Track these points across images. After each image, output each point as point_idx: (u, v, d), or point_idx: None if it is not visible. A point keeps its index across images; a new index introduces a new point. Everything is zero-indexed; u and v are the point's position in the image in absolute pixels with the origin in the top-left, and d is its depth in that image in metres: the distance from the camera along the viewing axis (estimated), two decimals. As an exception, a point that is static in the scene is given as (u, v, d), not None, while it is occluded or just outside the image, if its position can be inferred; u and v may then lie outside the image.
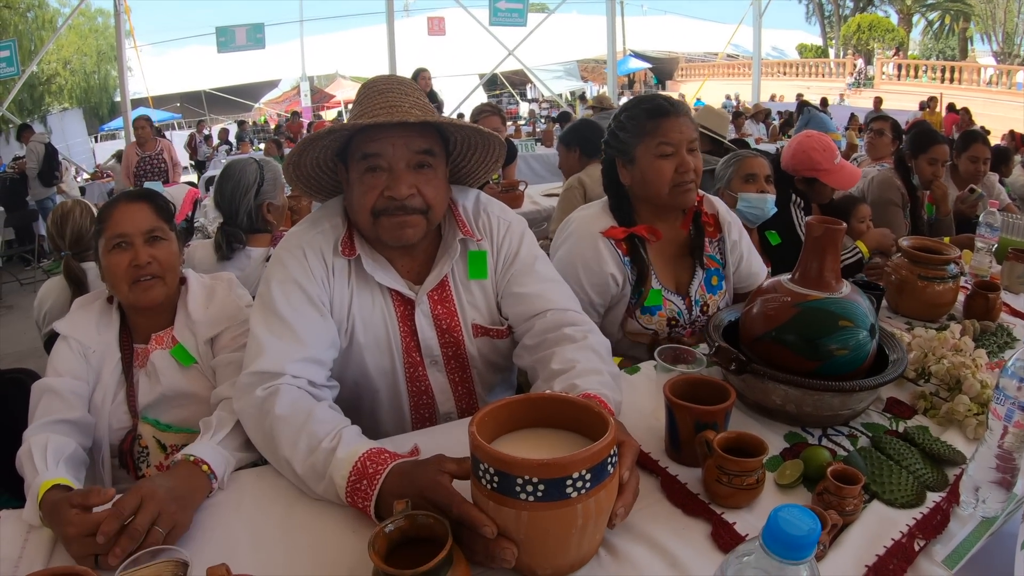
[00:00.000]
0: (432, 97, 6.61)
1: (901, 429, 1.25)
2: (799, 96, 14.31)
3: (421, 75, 6.56)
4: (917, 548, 0.94)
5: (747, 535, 0.97)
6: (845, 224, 1.26)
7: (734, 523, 0.99)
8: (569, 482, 0.80)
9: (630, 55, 23.99)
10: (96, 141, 18.92)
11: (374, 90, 1.35)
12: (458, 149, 1.45)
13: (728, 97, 18.69)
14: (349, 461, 1.03)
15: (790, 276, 1.31)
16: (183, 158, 12.83)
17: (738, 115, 10.55)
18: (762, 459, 1.02)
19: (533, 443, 0.96)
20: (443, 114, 6.54)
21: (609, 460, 0.85)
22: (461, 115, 4.62)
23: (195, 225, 4.12)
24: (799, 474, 1.08)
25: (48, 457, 1.21)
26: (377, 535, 0.83)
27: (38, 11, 17.41)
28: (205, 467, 1.13)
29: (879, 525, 0.99)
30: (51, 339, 2.24)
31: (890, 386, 1.38)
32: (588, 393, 1.13)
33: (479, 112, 4.27)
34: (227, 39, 12.11)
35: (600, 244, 1.73)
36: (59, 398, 1.40)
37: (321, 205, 1.50)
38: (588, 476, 0.81)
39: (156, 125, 14.18)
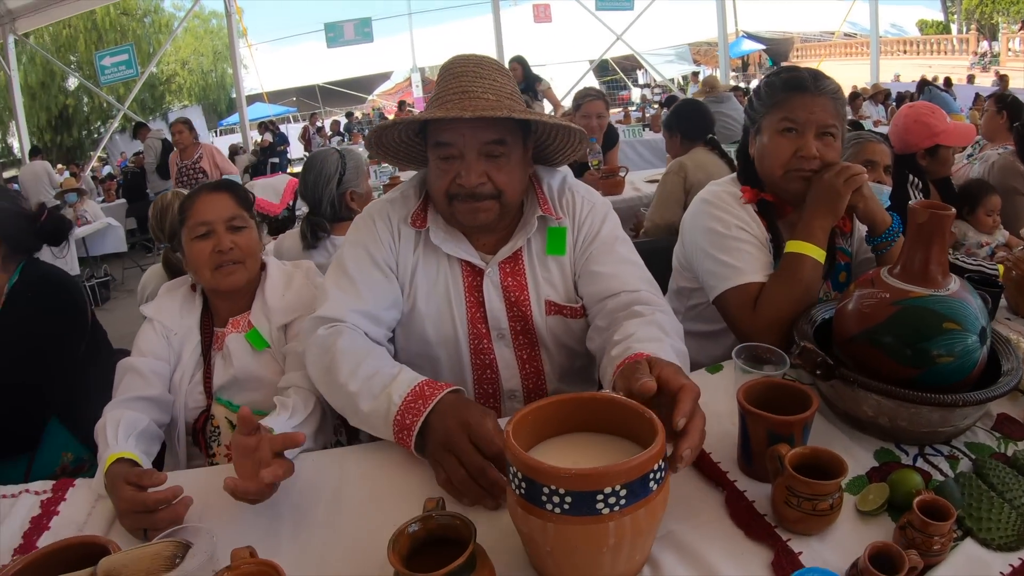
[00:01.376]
0: (531, 81, 6.44)
1: (1010, 452, 1.06)
2: (923, 78, 13.22)
3: (511, 64, 6.49)
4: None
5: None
6: (954, 209, 1.08)
7: (800, 552, 0.87)
8: (600, 497, 0.72)
9: (743, 36, 23.02)
10: (216, 135, 20.25)
11: (450, 73, 1.34)
12: (540, 131, 1.42)
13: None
14: (410, 383, 1.12)
15: (889, 270, 1.15)
16: (298, 149, 13.54)
17: (855, 96, 9.82)
18: (839, 482, 0.88)
19: (579, 450, 0.88)
20: (545, 100, 6.51)
21: (652, 475, 0.75)
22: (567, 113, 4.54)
23: (296, 214, 4.28)
24: (883, 500, 0.93)
25: (120, 432, 1.27)
26: (400, 534, 0.80)
27: (154, 16, 18.87)
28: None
29: (969, 568, 0.83)
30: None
31: (1002, 400, 1.16)
32: (639, 354, 1.09)
33: (583, 96, 4.17)
34: (335, 34, 12.58)
35: (736, 203, 1.58)
36: (140, 376, 1.47)
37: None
38: (623, 492, 0.72)
39: (272, 119, 15.11)
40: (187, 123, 6.18)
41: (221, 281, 1.57)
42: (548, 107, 6.69)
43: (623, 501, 0.73)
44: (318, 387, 1.29)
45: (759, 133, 1.57)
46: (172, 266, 2.21)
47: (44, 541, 1.08)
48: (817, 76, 1.50)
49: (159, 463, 1.50)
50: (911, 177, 2.31)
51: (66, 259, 5.18)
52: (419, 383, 1.12)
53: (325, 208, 2.45)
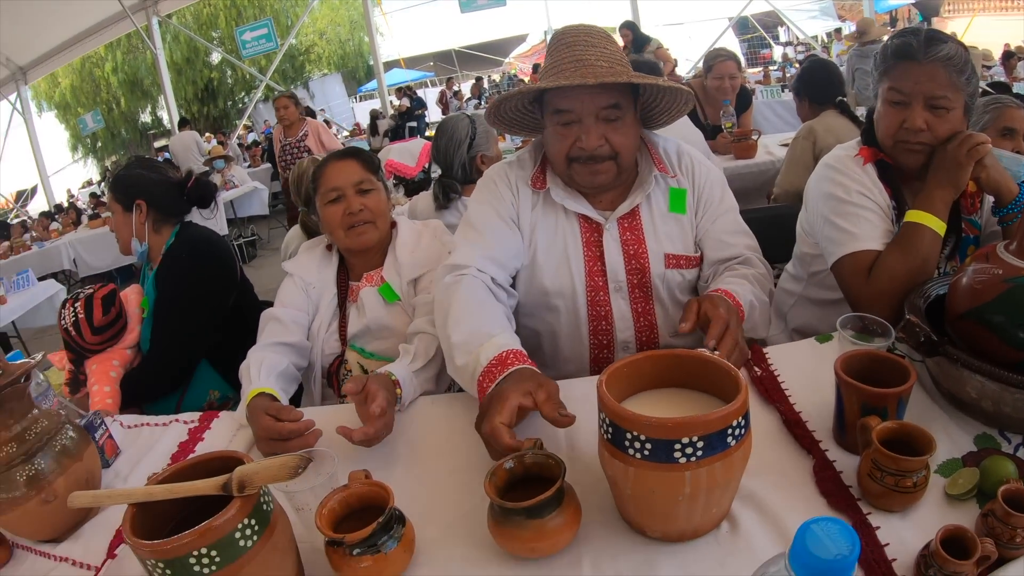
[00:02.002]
0: (640, 44, 6.36)
1: None
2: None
3: (622, 31, 6.40)
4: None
5: (887, 544, 0.85)
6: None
7: (877, 527, 0.88)
8: (678, 446, 0.78)
9: (891, -12, 21.02)
10: (356, 101, 21.17)
11: (562, 43, 1.41)
12: (648, 94, 1.48)
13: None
14: (499, 348, 1.18)
15: (1005, 245, 1.10)
16: (436, 113, 13.92)
17: (1009, 56, 8.73)
18: (925, 460, 0.88)
19: (667, 403, 0.95)
20: (666, 53, 6.35)
21: (731, 431, 0.80)
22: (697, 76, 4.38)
23: (432, 176, 4.48)
24: (973, 486, 0.91)
25: (262, 371, 1.45)
26: (498, 467, 0.90)
27: (291, -10, 19.65)
28: (399, 389, 1.32)
29: None
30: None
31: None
32: (718, 288, 1.36)
33: (713, 57, 4.06)
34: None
35: (856, 165, 1.56)
36: (281, 324, 1.65)
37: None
38: (700, 444, 0.78)
39: (410, 84, 15.56)
40: (293, 98, 5.82)
41: (354, 240, 1.70)
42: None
43: (700, 452, 0.78)
44: (438, 331, 1.38)
45: (877, 99, 1.52)
46: (309, 228, 2.41)
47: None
48: (931, 40, 1.40)
49: (296, 401, 1.70)
50: None
51: (216, 220, 5.60)
52: (505, 351, 1.17)
53: (457, 171, 2.58)
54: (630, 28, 6.48)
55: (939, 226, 1.40)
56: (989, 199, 1.54)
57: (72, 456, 1.11)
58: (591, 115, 1.38)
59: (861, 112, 3.24)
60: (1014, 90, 3.57)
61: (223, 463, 0.89)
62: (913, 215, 1.41)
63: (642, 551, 0.88)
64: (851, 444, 1.03)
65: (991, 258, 1.10)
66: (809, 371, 1.26)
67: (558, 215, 1.53)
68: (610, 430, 0.84)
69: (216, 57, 18.82)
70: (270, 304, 1.96)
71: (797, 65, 11.37)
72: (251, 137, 14.00)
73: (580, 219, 1.53)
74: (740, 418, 0.82)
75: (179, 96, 16.68)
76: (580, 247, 1.52)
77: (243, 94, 19.09)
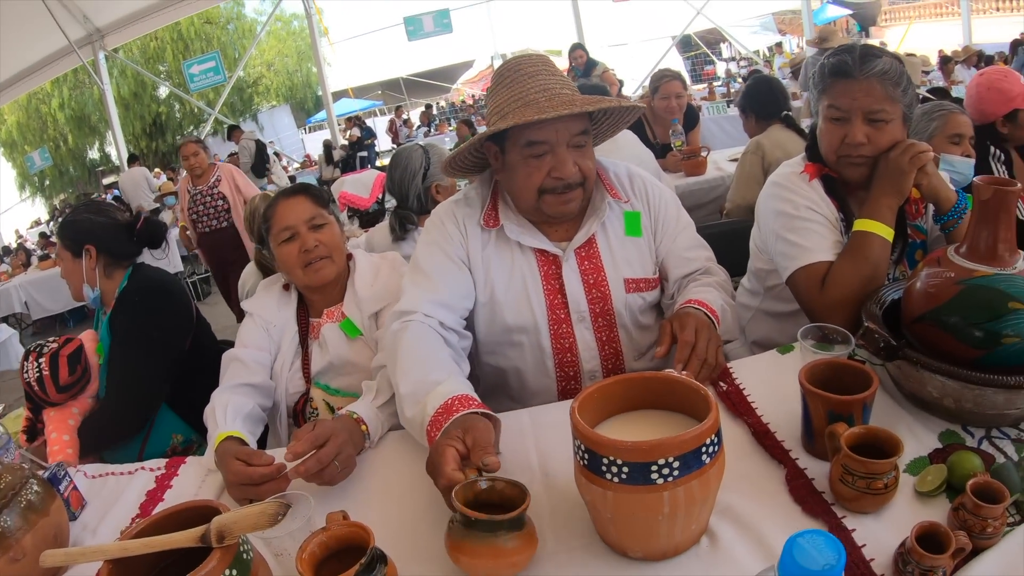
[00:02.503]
0: (589, 66, 6.54)
1: (1084, 437, 1.04)
2: (1015, 39, 12.13)
3: (575, 53, 6.55)
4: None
5: (864, 545, 0.87)
6: (1021, 185, 1.07)
7: (853, 530, 0.90)
8: (655, 468, 0.78)
9: (828, 2, 21.74)
10: (305, 132, 21.05)
11: (523, 74, 1.40)
12: (595, 116, 1.51)
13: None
14: (443, 396, 1.16)
15: (955, 248, 1.14)
16: (385, 142, 13.90)
17: (947, 60, 9.20)
18: (894, 462, 0.90)
19: (640, 425, 0.95)
20: (612, 76, 6.50)
21: (704, 449, 0.81)
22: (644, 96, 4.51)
23: (386, 207, 4.45)
24: (941, 482, 0.94)
25: (228, 414, 1.42)
26: (464, 487, 0.91)
27: (237, 23, 19.66)
28: (364, 427, 1.30)
29: (1021, 555, 0.83)
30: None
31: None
32: (688, 300, 1.41)
33: (660, 78, 4.15)
34: (415, 28, 12.77)
35: (802, 182, 1.60)
36: (243, 365, 1.61)
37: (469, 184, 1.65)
38: (676, 464, 0.79)
39: (359, 114, 15.59)
40: (201, 143, 4.97)
41: (312, 277, 1.68)
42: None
43: (676, 472, 0.79)
44: (390, 379, 1.36)
45: (817, 115, 1.57)
46: (264, 266, 2.37)
47: (159, 510, 1.21)
48: (866, 57, 1.46)
49: (263, 443, 1.65)
50: (993, 149, 2.21)
51: (168, 259, 5.27)
52: (450, 398, 1.15)
53: (412, 202, 2.56)
54: (584, 49, 6.63)
55: (887, 233, 1.45)
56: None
57: (38, 511, 1.08)
58: (564, 144, 1.38)
59: (807, 124, 3.35)
60: (952, 94, 3.73)
61: (198, 512, 0.87)
62: (861, 224, 1.46)
63: (626, 571, 0.88)
64: (820, 451, 1.05)
65: (943, 262, 1.14)
66: (773, 383, 1.28)
67: (513, 251, 1.52)
68: (586, 456, 0.83)
69: (164, 91, 18.63)
70: (228, 344, 1.92)
71: (741, 80, 11.76)
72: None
73: (536, 253, 1.52)
74: (713, 435, 0.83)
75: (127, 131, 16.42)
76: (539, 281, 1.51)
77: (192, 128, 18.83)
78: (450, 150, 2.87)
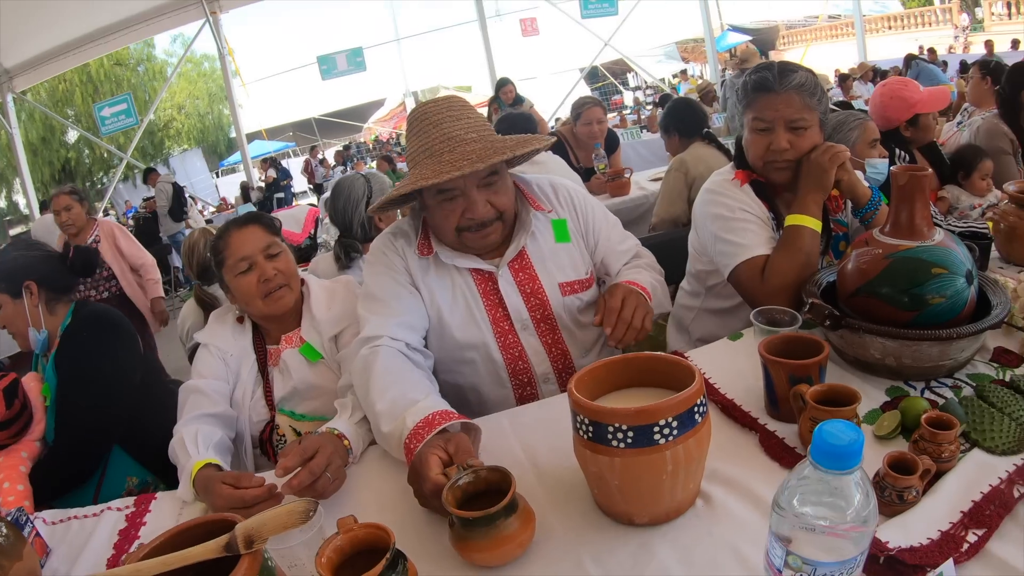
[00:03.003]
0: (517, 100, 6.71)
1: (1008, 378, 1.19)
2: (909, 53, 13.30)
3: (504, 89, 6.70)
4: (1017, 495, 0.90)
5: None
6: (930, 170, 1.23)
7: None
8: (656, 429, 0.86)
9: (728, 30, 23.06)
10: (218, 176, 20.48)
11: (428, 122, 1.44)
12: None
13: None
14: (425, 411, 1.20)
15: (880, 229, 1.29)
16: (301, 183, 13.66)
17: (845, 78, 10.03)
18: (855, 408, 1.02)
19: (629, 399, 1.02)
20: (538, 112, 6.69)
21: (696, 409, 0.90)
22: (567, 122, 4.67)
23: (318, 241, 4.44)
24: (896, 424, 1.07)
25: (199, 443, 1.40)
26: (451, 488, 0.95)
27: (148, 64, 19.13)
28: (346, 442, 1.30)
29: (977, 472, 0.95)
30: (195, 351, 2.50)
31: (997, 334, 1.33)
32: (628, 280, 1.54)
33: (581, 105, 4.32)
34: (329, 66, 12.73)
35: (734, 187, 1.75)
36: (204, 396, 1.58)
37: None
38: (675, 423, 0.87)
39: (273, 155, 15.29)
40: (76, 193, 4.08)
41: (273, 306, 1.67)
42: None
43: (675, 431, 0.87)
44: (361, 403, 1.38)
45: (743, 128, 1.74)
46: (204, 302, 2.34)
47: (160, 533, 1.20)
48: (784, 72, 1.64)
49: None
50: (898, 152, 2.46)
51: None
52: (432, 413, 1.19)
53: (356, 230, 2.60)
54: (512, 84, 6.81)
55: (816, 224, 1.61)
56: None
57: (11, 556, 1.02)
58: (473, 188, 1.44)
59: (728, 142, 3.58)
60: (854, 106, 4.06)
61: (205, 529, 0.86)
62: (792, 219, 1.62)
63: (635, 538, 0.94)
64: (785, 415, 1.16)
65: (870, 242, 1.29)
66: (728, 365, 1.41)
67: (451, 274, 1.57)
68: (590, 429, 0.90)
69: (73, 135, 17.86)
70: (178, 382, 1.89)
71: (650, 107, 12.33)
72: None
73: (473, 273, 1.58)
74: (701, 396, 0.92)
75: (35, 178, 15.49)
76: (479, 298, 1.57)
77: (102, 174, 18.06)
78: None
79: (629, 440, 0.87)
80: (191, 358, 2.50)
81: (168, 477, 1.74)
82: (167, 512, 1.31)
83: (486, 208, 1.46)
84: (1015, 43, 11.58)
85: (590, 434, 0.91)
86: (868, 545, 0.61)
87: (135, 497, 1.38)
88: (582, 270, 1.65)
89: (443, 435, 1.14)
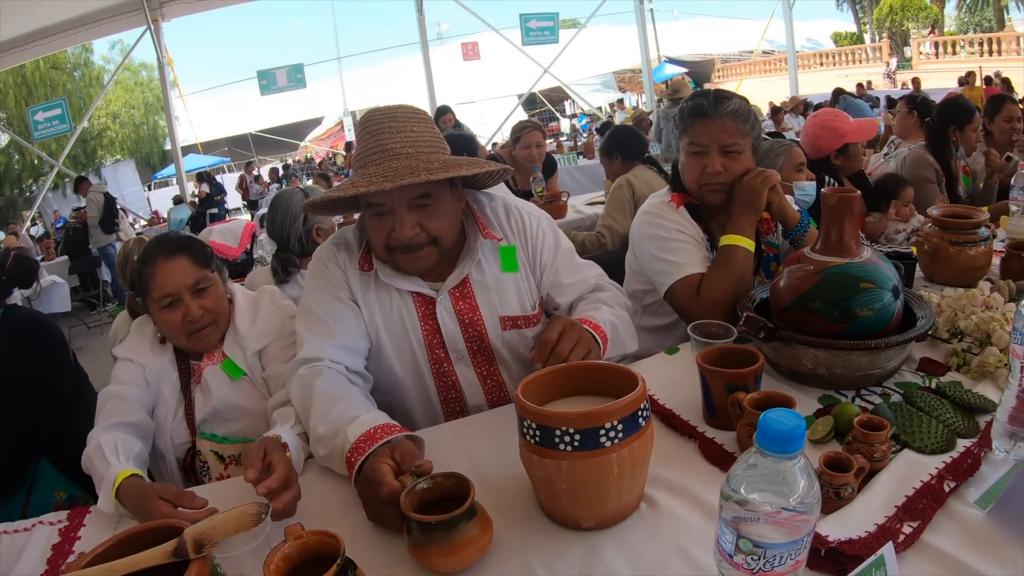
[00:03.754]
0: (457, 126, 6.77)
1: (934, 385, 1.27)
2: (836, 88, 14.05)
3: (443, 118, 6.69)
4: (947, 489, 0.97)
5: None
6: (859, 191, 1.31)
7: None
8: (602, 432, 0.88)
9: (665, 61, 23.80)
10: (150, 189, 19.85)
11: (368, 131, 1.37)
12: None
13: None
14: (366, 425, 1.18)
15: (811, 247, 1.36)
16: (235, 199, 13.30)
17: (777, 111, 10.61)
18: (790, 413, 1.06)
19: (574, 406, 1.03)
20: (478, 137, 6.74)
21: (640, 413, 0.92)
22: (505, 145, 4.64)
23: (254, 257, 4.36)
24: (829, 429, 1.12)
25: (120, 452, 1.31)
26: (408, 493, 0.95)
27: (84, 70, 18.51)
28: (289, 453, 1.22)
29: (909, 469, 1.02)
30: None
31: (923, 346, 1.43)
32: (581, 318, 1.39)
33: (521, 128, 4.41)
34: (268, 81, 12.62)
35: (670, 210, 1.81)
36: (124, 402, 1.50)
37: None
38: (620, 427, 0.89)
39: (207, 170, 14.81)
40: None
41: (197, 345, 1.62)
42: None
43: (620, 434, 0.89)
44: (301, 419, 1.34)
45: (679, 152, 1.82)
46: (136, 312, 2.27)
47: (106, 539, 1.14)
48: (719, 99, 1.73)
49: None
50: (828, 179, 2.60)
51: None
52: (372, 427, 1.16)
53: (293, 244, 2.56)
54: (452, 112, 6.84)
55: (749, 244, 1.69)
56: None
57: None
58: (402, 207, 1.35)
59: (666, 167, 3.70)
60: (787, 137, 4.26)
61: (149, 536, 0.83)
62: (727, 239, 1.69)
63: (583, 541, 0.95)
64: (723, 423, 1.20)
65: (802, 259, 1.37)
66: (666, 378, 1.45)
67: (391, 293, 1.50)
68: (537, 433, 0.92)
69: (2, 140, 17.03)
70: None
71: (586, 134, 12.64)
72: (36, 229, 12.63)
73: (413, 295, 1.50)
74: (645, 401, 0.95)
75: (-40, 184, 14.80)
76: (416, 322, 1.50)
77: (31, 181, 17.25)
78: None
79: (576, 443, 0.88)
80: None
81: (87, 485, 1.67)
82: (102, 526, 1.25)
83: (414, 230, 1.36)
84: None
85: (537, 438, 0.92)
86: (814, 526, 0.65)
87: (68, 511, 1.32)
88: (528, 304, 1.56)
89: (388, 444, 1.13)
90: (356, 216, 1.64)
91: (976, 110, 3.35)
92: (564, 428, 0.89)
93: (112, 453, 1.30)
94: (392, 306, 1.50)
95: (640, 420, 0.92)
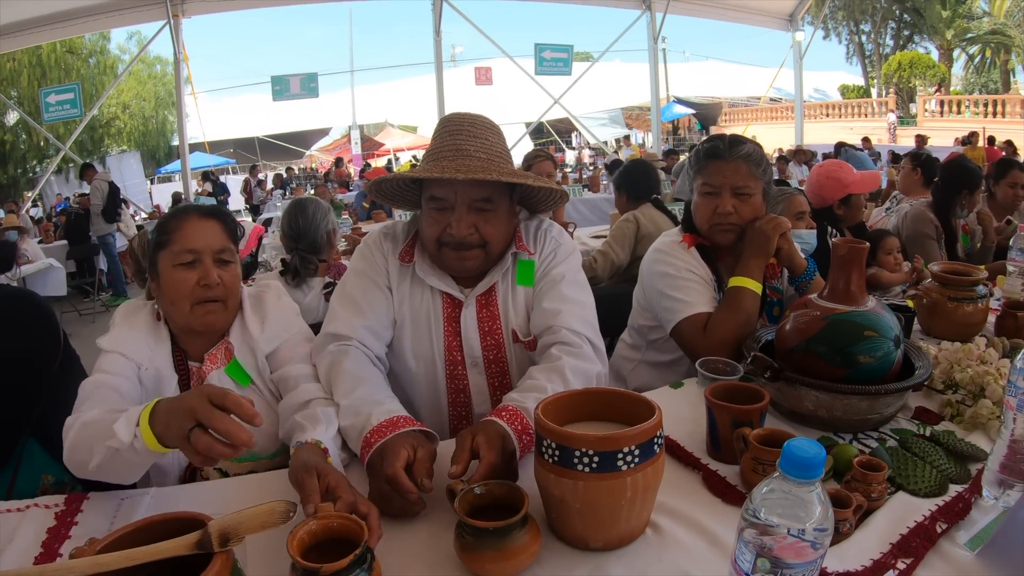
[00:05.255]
0: None
1: (928, 433, 1.33)
2: (839, 142, 14.22)
3: None
4: (939, 530, 1.02)
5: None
6: (868, 243, 1.38)
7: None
8: (620, 456, 0.92)
9: (673, 101, 24.17)
10: (152, 183, 19.86)
11: (446, 130, 1.47)
12: (524, 187, 1.53)
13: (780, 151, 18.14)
14: (390, 413, 1.23)
15: (819, 294, 1.42)
16: (236, 201, 13.31)
17: (781, 158, 10.82)
18: (794, 450, 1.11)
19: (591, 430, 1.07)
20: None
21: (655, 440, 0.97)
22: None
23: (259, 260, 4.41)
24: (829, 468, 1.17)
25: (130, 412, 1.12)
26: (461, 498, 0.98)
27: (100, 57, 18.59)
28: (329, 458, 1.18)
29: (903, 510, 1.07)
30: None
31: (918, 395, 1.49)
32: (506, 406, 1.24)
33: (533, 157, 4.46)
34: (282, 88, 12.74)
35: (681, 249, 1.87)
36: (116, 394, 1.34)
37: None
38: (637, 452, 0.93)
39: (212, 169, 14.73)
40: None
41: (199, 319, 1.45)
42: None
43: (637, 459, 0.93)
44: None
45: (693, 193, 1.88)
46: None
47: (66, 549, 1.11)
48: (734, 143, 1.80)
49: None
50: (830, 229, 2.67)
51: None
52: (396, 415, 1.22)
53: (317, 241, 2.70)
54: None
55: (757, 287, 1.75)
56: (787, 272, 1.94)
57: None
58: (463, 205, 1.43)
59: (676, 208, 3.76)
60: (792, 185, 4.34)
61: (166, 527, 0.82)
62: (736, 281, 1.75)
63: (590, 561, 0.99)
64: (727, 456, 1.24)
65: (809, 305, 1.43)
66: (671, 411, 1.44)
67: (423, 289, 1.56)
68: (556, 453, 0.96)
69: (12, 117, 17.04)
70: None
71: (592, 167, 12.78)
72: (35, 211, 12.61)
73: (443, 295, 1.55)
74: (661, 429, 0.99)
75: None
76: (441, 322, 1.55)
77: (35, 162, 17.22)
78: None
79: (594, 465, 0.93)
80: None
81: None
82: (100, 513, 1.24)
83: (469, 230, 1.43)
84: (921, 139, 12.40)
85: (556, 458, 0.96)
86: (827, 549, 0.70)
87: (65, 496, 1.31)
88: (526, 329, 1.56)
89: (413, 437, 1.16)
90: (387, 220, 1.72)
91: (982, 176, 3.44)
92: (584, 450, 0.93)
93: (117, 413, 1.13)
94: (422, 301, 1.56)
95: (655, 447, 0.97)
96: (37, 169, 17.70)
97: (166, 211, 10.44)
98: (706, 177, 1.81)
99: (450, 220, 1.43)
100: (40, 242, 8.34)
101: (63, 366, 1.84)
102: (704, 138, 2.08)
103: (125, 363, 1.41)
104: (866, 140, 14.06)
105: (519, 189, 1.55)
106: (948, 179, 3.39)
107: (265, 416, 1.36)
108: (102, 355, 1.41)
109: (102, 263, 8.41)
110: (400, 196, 1.63)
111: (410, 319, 1.56)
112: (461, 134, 1.45)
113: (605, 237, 3.74)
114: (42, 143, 16.22)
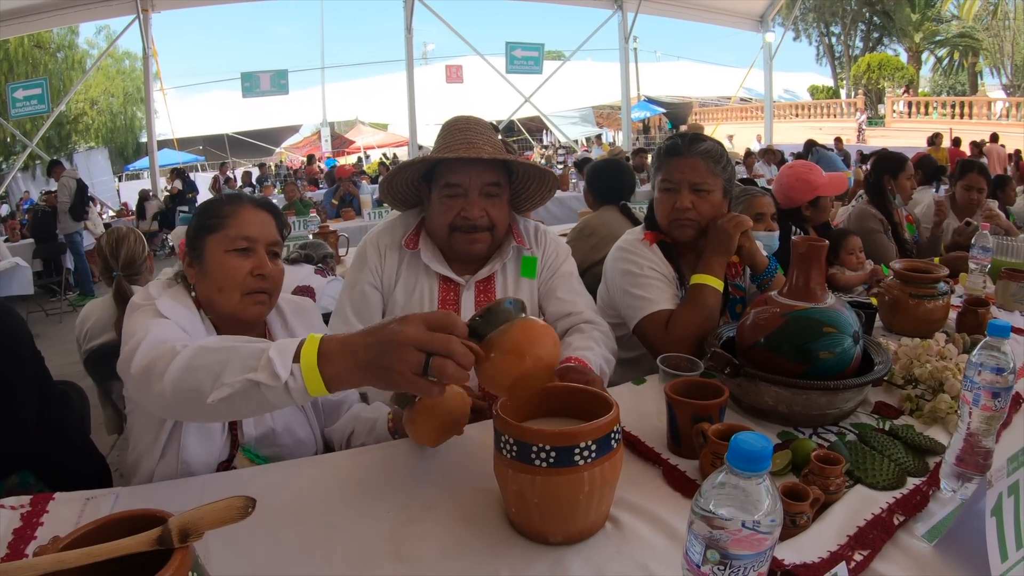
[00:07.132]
0: None
1: (887, 427, 1.35)
2: (809, 140, 14.42)
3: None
4: (896, 522, 1.04)
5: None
6: (828, 241, 1.40)
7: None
8: (577, 451, 0.93)
9: (644, 100, 24.33)
10: (120, 180, 19.50)
11: (455, 128, 1.64)
12: (519, 180, 1.74)
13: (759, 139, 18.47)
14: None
15: (779, 291, 1.44)
16: (205, 198, 13.08)
17: (748, 156, 10.90)
18: (752, 444, 1.13)
19: (549, 426, 1.08)
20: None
21: (612, 435, 0.97)
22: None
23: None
24: (787, 463, 1.18)
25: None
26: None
27: (68, 52, 18.19)
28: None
29: (861, 503, 1.09)
30: (91, 357, 2.36)
31: (879, 390, 1.51)
32: (571, 357, 1.52)
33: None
34: (252, 84, 12.61)
35: (643, 247, 1.90)
36: (184, 333, 1.26)
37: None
38: (594, 447, 0.94)
39: (181, 167, 14.54)
40: None
41: (248, 309, 1.40)
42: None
43: (594, 454, 0.94)
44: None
45: (654, 190, 1.91)
46: (125, 298, 2.26)
47: (31, 549, 1.11)
48: (693, 140, 1.83)
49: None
50: (794, 229, 2.70)
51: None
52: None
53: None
54: None
55: (718, 284, 1.77)
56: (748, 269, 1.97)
57: None
58: (476, 190, 1.59)
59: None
60: (759, 184, 4.38)
61: (128, 524, 0.82)
62: (697, 278, 1.78)
63: (550, 555, 0.99)
64: (687, 452, 1.26)
65: (769, 302, 1.44)
66: (633, 407, 1.49)
67: (419, 274, 1.68)
68: (514, 448, 0.96)
69: None
70: (66, 383, 1.73)
71: (561, 166, 12.85)
72: (1, 209, 12.31)
73: (440, 279, 1.68)
74: (618, 424, 0.99)
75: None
76: (436, 305, 1.66)
77: (1, 159, 16.76)
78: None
79: (551, 460, 0.93)
80: (87, 364, 2.36)
81: (50, 478, 1.63)
82: (66, 514, 1.23)
83: (481, 212, 1.60)
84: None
85: (514, 453, 0.96)
86: (776, 541, 0.71)
87: (31, 496, 1.28)
88: (534, 314, 1.72)
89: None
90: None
91: (906, 159, 3.56)
92: (541, 445, 0.93)
93: (253, 344, 1.02)
94: (417, 284, 1.68)
95: (612, 442, 0.97)
96: (3, 166, 17.18)
97: (133, 209, 10.25)
98: (665, 173, 1.84)
99: (463, 205, 1.59)
100: (6, 240, 8.15)
101: (33, 371, 1.80)
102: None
103: (183, 335, 1.27)
104: (838, 140, 14.29)
105: (514, 185, 1.73)
106: (873, 169, 3.49)
107: (303, 430, 1.48)
108: (153, 320, 1.26)
109: (69, 262, 8.24)
110: (405, 196, 1.76)
111: (403, 302, 1.67)
112: (469, 131, 1.62)
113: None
114: (8, 139, 15.81)
